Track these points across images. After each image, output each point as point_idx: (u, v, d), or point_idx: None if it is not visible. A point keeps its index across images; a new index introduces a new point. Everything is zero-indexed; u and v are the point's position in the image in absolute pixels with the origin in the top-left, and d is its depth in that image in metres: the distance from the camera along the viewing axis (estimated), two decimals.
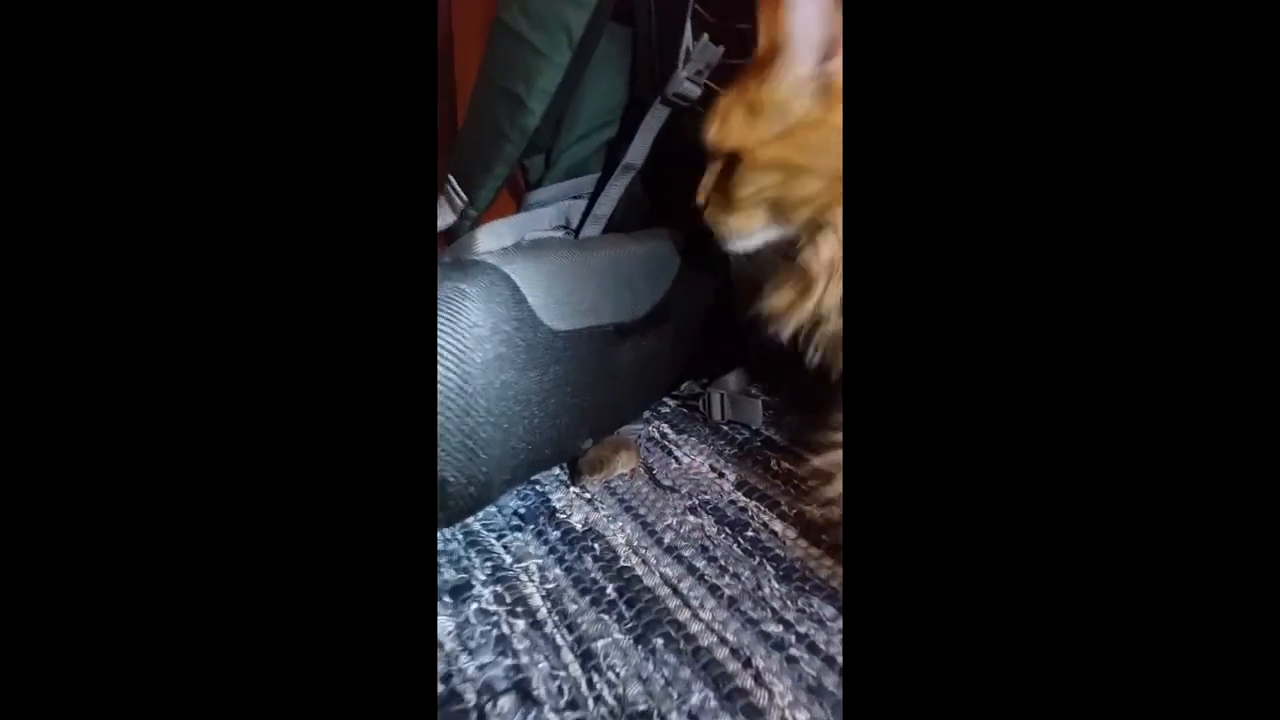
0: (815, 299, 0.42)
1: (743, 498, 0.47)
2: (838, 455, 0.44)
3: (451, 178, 0.50)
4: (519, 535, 0.43)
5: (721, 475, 0.50)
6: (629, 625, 0.36)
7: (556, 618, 0.36)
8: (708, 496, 0.47)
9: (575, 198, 0.53)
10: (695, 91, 0.48)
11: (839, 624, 0.36)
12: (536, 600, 0.38)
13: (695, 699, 0.31)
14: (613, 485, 0.49)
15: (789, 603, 0.37)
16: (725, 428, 0.58)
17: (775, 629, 0.36)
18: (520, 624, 0.36)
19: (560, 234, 0.53)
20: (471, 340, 0.36)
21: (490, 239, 0.50)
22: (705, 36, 0.46)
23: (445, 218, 0.51)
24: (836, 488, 0.43)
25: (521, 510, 0.45)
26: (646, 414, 0.60)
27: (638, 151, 0.50)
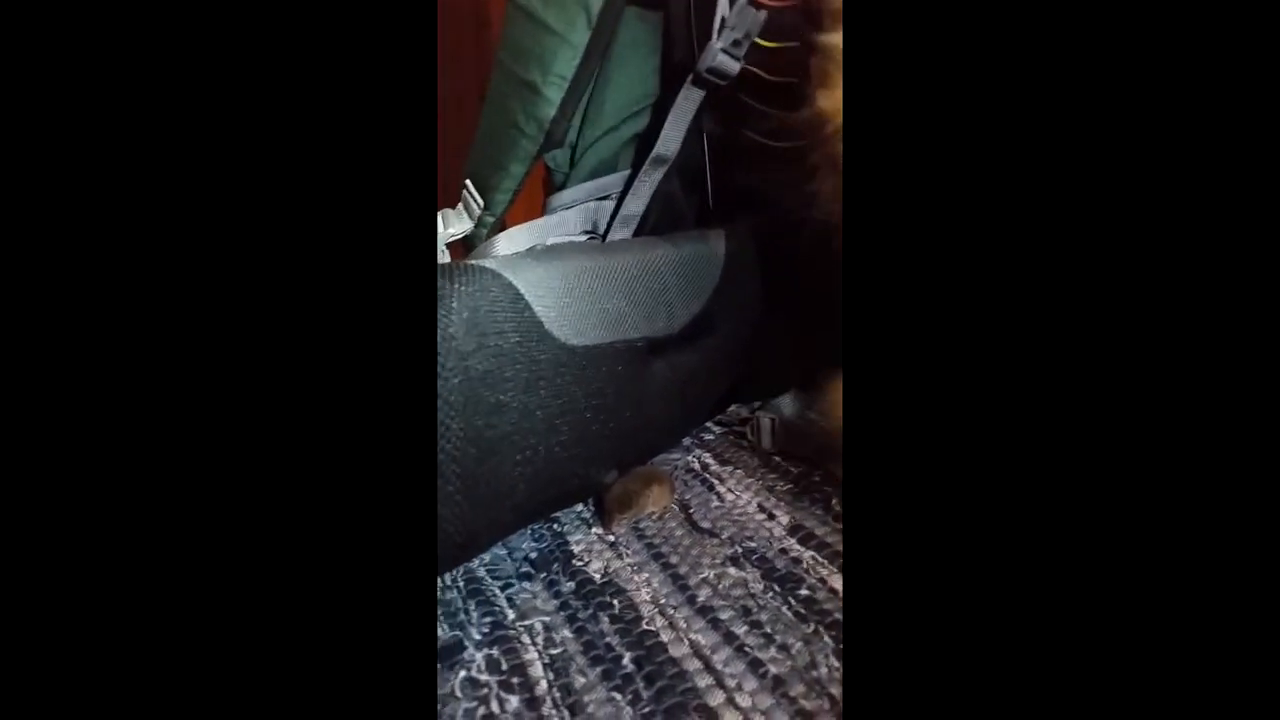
0: None
1: (796, 546, 0.39)
2: None
3: (468, 181, 0.45)
4: (527, 585, 0.37)
5: (772, 517, 0.42)
6: (645, 709, 0.29)
7: (558, 694, 0.30)
8: (754, 543, 0.40)
9: (603, 198, 0.48)
10: (734, 67, 0.42)
11: None
12: (537, 669, 0.31)
13: None
14: (641, 526, 0.42)
15: None
16: (778, 459, 0.50)
17: None
18: (513, 701, 0.29)
19: (584, 239, 0.47)
20: (449, 356, 0.31)
21: (509, 247, 0.45)
22: (743, 0, 0.39)
23: (462, 224, 0.46)
24: None
25: (533, 555, 0.39)
26: (686, 441, 0.53)
27: (670, 142, 0.44)
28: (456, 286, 0.32)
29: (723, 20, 0.39)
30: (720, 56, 0.40)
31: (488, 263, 0.35)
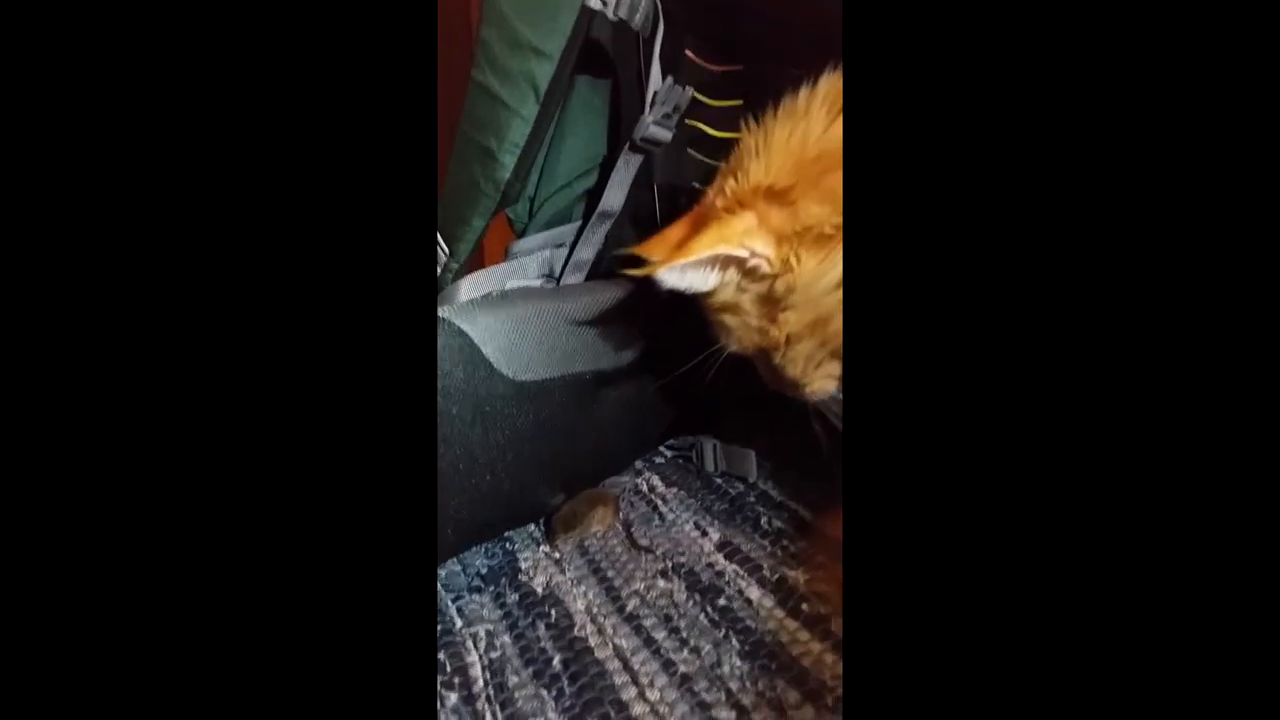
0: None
1: (722, 560, 0.44)
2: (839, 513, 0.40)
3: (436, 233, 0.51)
4: (476, 597, 0.41)
5: (705, 534, 0.47)
6: (567, 704, 0.33)
7: (492, 691, 0.34)
8: (684, 558, 0.44)
9: (558, 246, 0.53)
10: (665, 136, 0.47)
11: (805, 713, 0.32)
12: (477, 670, 0.36)
13: None
14: (586, 544, 0.46)
15: (748, 684, 0.34)
16: (719, 480, 0.54)
17: (726, 716, 0.32)
18: (452, 698, 0.34)
19: (541, 282, 0.52)
20: None
21: (472, 289, 0.50)
22: (670, 79, 0.45)
23: None
24: (834, 551, 0.39)
25: (484, 570, 0.44)
26: (639, 464, 0.57)
27: (613, 200, 0.49)
28: None
29: (655, 94, 0.44)
30: (652, 128, 0.45)
31: (443, 312, 0.40)
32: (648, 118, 0.45)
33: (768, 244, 0.37)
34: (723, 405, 0.57)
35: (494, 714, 0.33)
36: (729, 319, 0.40)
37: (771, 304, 0.38)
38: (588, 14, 0.41)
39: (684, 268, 0.37)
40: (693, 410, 0.58)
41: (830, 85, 0.39)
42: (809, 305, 0.37)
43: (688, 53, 0.54)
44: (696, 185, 0.56)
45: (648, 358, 0.53)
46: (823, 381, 0.40)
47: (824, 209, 0.36)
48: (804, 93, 0.39)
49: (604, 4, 0.41)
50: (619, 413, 0.52)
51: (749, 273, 0.38)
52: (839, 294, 0.36)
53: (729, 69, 0.56)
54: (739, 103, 0.59)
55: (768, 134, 0.39)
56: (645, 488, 0.54)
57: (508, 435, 0.41)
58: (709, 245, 0.36)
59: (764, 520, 0.48)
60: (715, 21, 0.54)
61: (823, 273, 0.36)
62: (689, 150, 0.55)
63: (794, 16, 0.56)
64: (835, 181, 0.36)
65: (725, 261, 0.38)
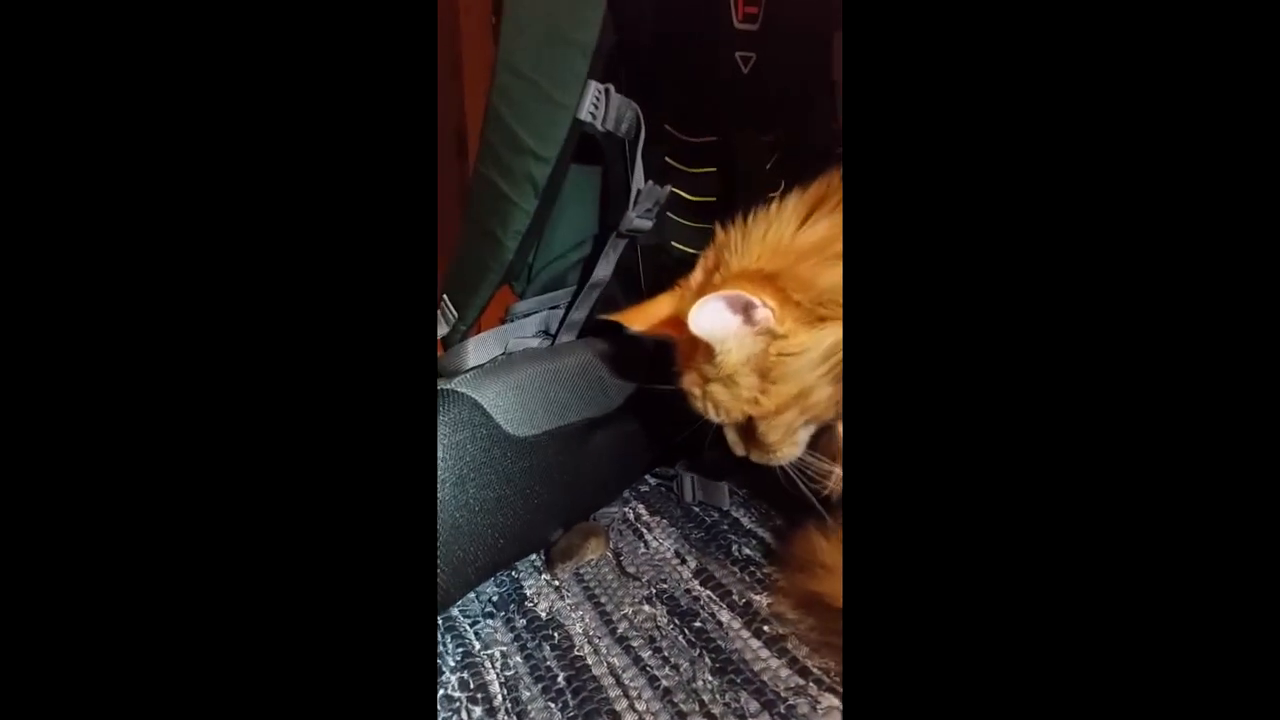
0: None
1: (698, 586, 0.52)
2: (803, 537, 0.48)
3: (445, 296, 0.57)
4: (490, 622, 0.49)
5: (684, 561, 0.55)
6: (570, 714, 0.41)
7: (509, 704, 0.42)
8: (666, 585, 0.52)
9: (554, 308, 0.60)
10: (647, 225, 0.54)
11: (762, 719, 0.40)
12: (495, 687, 0.43)
13: None
14: (582, 572, 0.54)
15: (718, 696, 0.42)
16: (696, 509, 0.62)
17: None
18: (477, 710, 0.41)
19: (538, 340, 0.59)
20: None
21: (479, 349, 0.57)
22: (650, 182, 0.52)
23: (441, 329, 0.58)
24: (790, 575, 0.47)
25: (495, 597, 0.51)
26: (626, 494, 0.65)
27: (602, 272, 0.56)
28: (439, 415, 0.44)
29: (638, 193, 0.51)
30: (636, 220, 0.53)
31: (458, 385, 0.47)
32: (631, 213, 0.52)
33: (772, 299, 0.40)
34: (698, 443, 0.65)
35: None
36: (721, 393, 0.45)
37: (765, 376, 0.43)
38: (579, 124, 0.48)
39: (713, 304, 0.41)
40: (672, 446, 0.65)
41: (798, 196, 0.45)
42: (797, 378, 0.42)
43: (666, 126, 0.61)
44: (675, 244, 0.63)
45: (631, 402, 0.60)
46: (790, 449, 0.46)
47: (808, 293, 0.41)
48: (775, 203, 0.46)
49: (593, 117, 0.47)
50: (607, 452, 0.60)
51: (757, 323, 0.41)
52: (824, 368, 0.41)
53: (704, 140, 0.63)
54: (713, 169, 0.67)
55: (745, 233, 0.45)
56: (632, 516, 0.61)
57: (515, 486, 0.49)
58: (730, 287, 0.40)
59: (734, 548, 0.56)
60: (690, 101, 0.61)
61: (815, 344, 0.41)
62: (669, 214, 0.62)
63: (760, 93, 0.63)
64: (810, 270, 0.41)
65: (737, 304, 0.41)
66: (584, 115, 0.47)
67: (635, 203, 0.51)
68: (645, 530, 0.59)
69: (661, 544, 0.57)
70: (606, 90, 0.47)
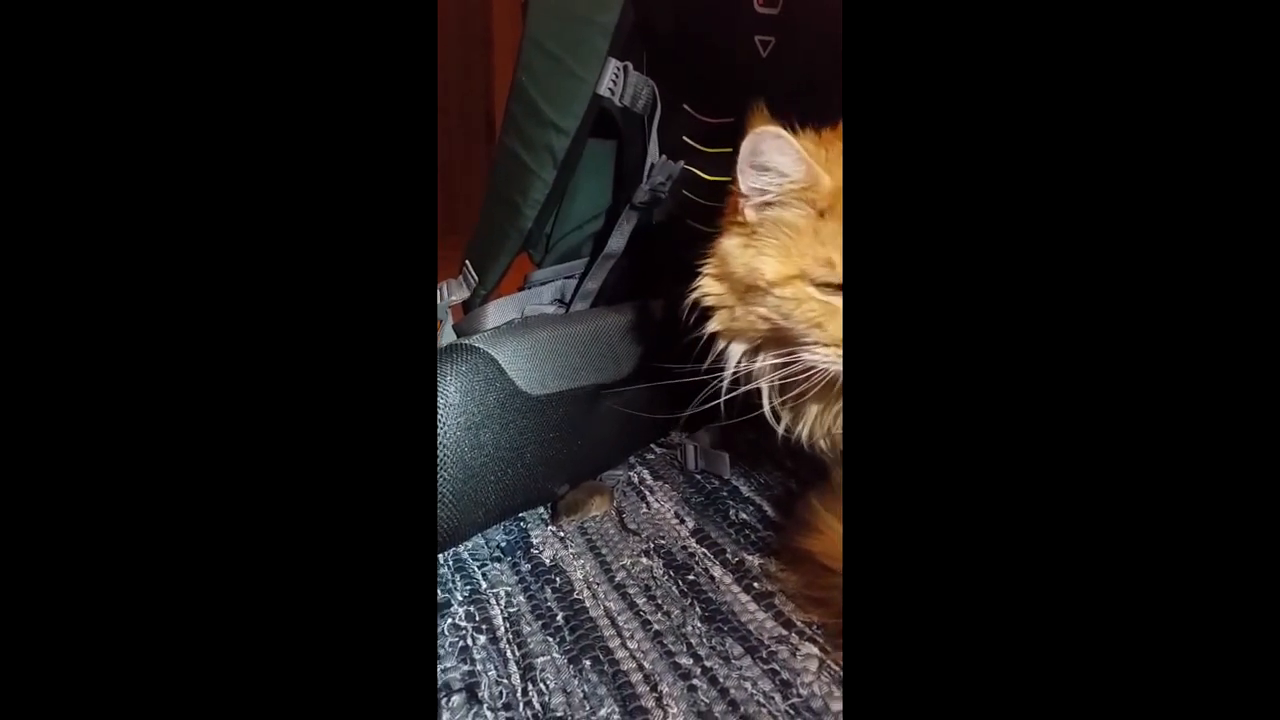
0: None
1: (694, 544, 0.54)
2: (798, 508, 0.50)
3: (467, 261, 0.61)
4: (497, 565, 0.52)
5: (682, 521, 0.57)
6: (567, 647, 0.44)
7: (511, 635, 0.45)
8: (664, 541, 0.55)
9: (569, 277, 0.63)
10: (660, 197, 0.57)
11: (744, 662, 0.42)
12: (499, 620, 0.47)
13: (603, 712, 0.39)
14: (585, 526, 0.57)
15: (704, 640, 0.44)
16: (699, 476, 0.65)
17: (686, 661, 0.43)
18: (482, 638, 0.45)
19: (553, 308, 0.62)
20: (448, 414, 0.47)
21: (498, 313, 0.61)
22: (665, 156, 0.54)
23: (461, 293, 0.61)
24: (786, 539, 0.49)
25: (503, 543, 0.55)
26: (633, 459, 0.68)
27: (616, 244, 0.59)
28: (456, 366, 0.47)
29: (652, 166, 0.54)
30: (648, 194, 0.55)
31: (477, 341, 0.50)
32: (645, 185, 0.54)
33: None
34: (705, 415, 0.67)
35: (513, 652, 0.44)
36: (792, 305, 0.45)
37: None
38: (598, 99, 0.50)
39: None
40: (678, 416, 0.68)
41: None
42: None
43: (684, 106, 0.64)
44: (690, 223, 0.65)
45: (640, 370, 0.63)
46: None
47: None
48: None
49: (611, 92, 0.50)
50: (614, 418, 0.63)
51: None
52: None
53: (721, 121, 0.65)
54: (730, 150, 0.69)
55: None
56: (636, 480, 0.64)
57: (526, 438, 0.52)
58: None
59: (732, 512, 0.58)
60: (709, 84, 0.63)
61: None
62: (685, 192, 0.65)
63: (779, 77, 0.64)
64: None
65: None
66: (603, 90, 0.49)
67: (649, 176, 0.54)
68: (648, 493, 0.62)
69: (662, 505, 0.60)
70: (625, 67, 0.50)
